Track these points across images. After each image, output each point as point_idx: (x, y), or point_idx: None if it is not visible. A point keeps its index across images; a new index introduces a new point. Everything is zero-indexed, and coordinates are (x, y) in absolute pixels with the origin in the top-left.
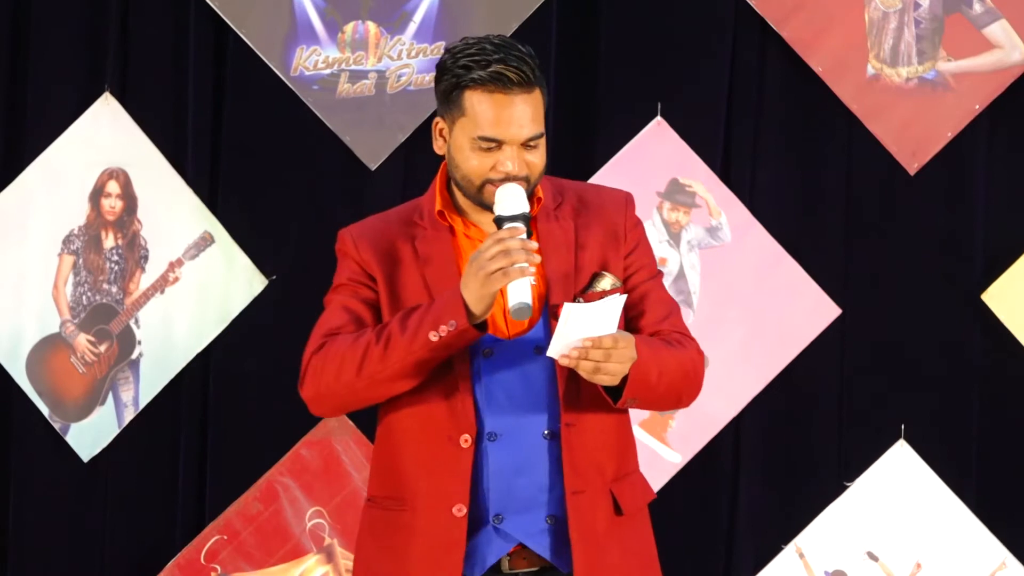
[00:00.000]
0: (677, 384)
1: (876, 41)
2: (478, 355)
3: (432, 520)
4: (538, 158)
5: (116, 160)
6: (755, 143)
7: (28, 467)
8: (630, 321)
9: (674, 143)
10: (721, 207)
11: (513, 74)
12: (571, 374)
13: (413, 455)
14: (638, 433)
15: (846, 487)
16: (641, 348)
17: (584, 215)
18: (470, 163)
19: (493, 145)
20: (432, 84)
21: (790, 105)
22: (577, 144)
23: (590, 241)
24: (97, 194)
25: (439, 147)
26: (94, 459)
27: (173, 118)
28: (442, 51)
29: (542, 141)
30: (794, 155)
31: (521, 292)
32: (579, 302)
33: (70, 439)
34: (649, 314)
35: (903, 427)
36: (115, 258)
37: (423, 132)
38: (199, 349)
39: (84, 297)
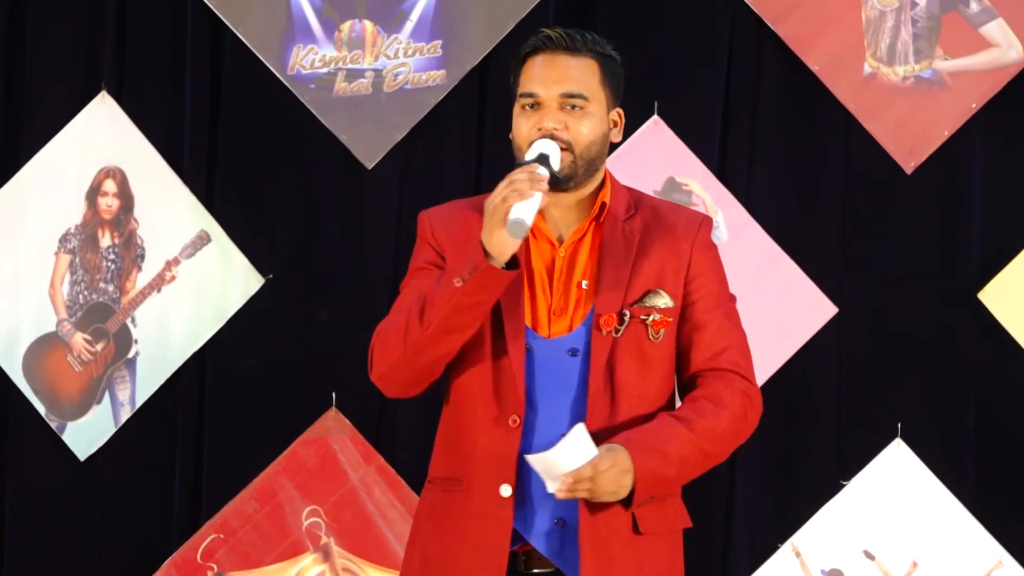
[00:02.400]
0: (709, 459)
1: (873, 40)
2: (522, 348)
3: (483, 499)
4: (584, 124)
5: (113, 159)
6: (752, 141)
7: (24, 465)
8: (682, 355)
9: (671, 142)
10: (718, 206)
11: (555, 34)
12: (606, 382)
13: (468, 436)
14: None
15: (843, 486)
16: (640, 456)
17: (654, 230)
18: (518, 129)
19: (533, 101)
20: (428, 83)
21: (787, 104)
22: None
23: (652, 257)
24: (94, 193)
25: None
26: (90, 458)
27: (170, 117)
28: (439, 49)
29: (590, 108)
30: (791, 153)
31: (519, 209)
32: (626, 317)
33: (66, 438)
34: (699, 349)
35: (900, 426)
36: (111, 257)
37: (420, 131)
38: (196, 348)
39: (80, 296)
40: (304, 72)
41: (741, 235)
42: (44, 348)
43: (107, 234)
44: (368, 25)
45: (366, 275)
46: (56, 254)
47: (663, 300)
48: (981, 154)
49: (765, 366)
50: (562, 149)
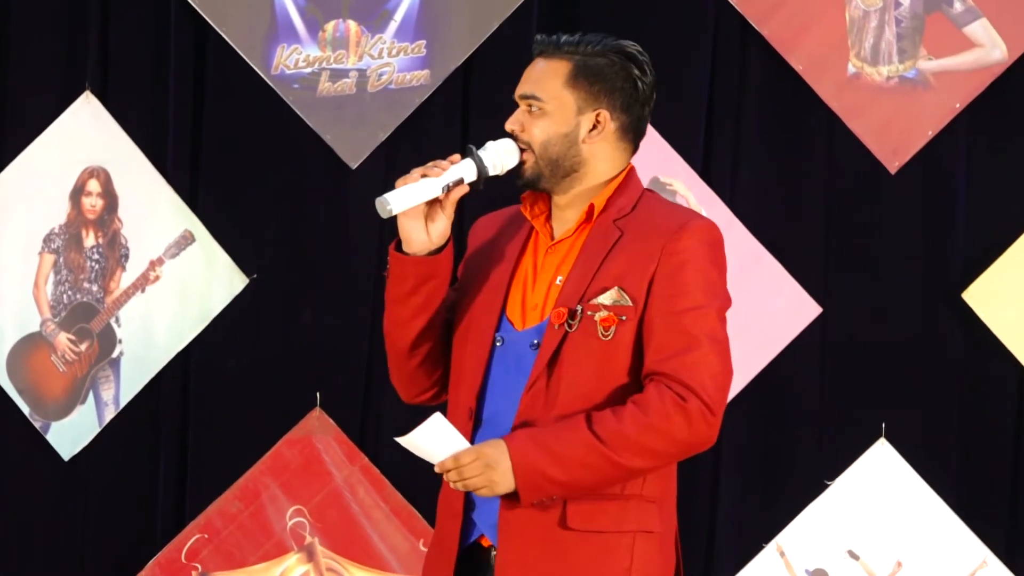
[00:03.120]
0: (617, 466)
1: (857, 39)
2: (495, 341)
3: (447, 492)
4: (537, 126)
5: (97, 159)
6: (736, 141)
7: (8, 465)
8: (643, 355)
9: (655, 141)
10: (702, 205)
11: (538, 38)
12: (547, 375)
13: None
14: None
15: (827, 486)
16: (522, 452)
17: (635, 231)
18: None
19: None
20: (412, 83)
21: (771, 103)
22: None
23: (622, 256)
24: (78, 193)
25: None
26: (75, 458)
27: (154, 117)
28: (423, 49)
29: (546, 108)
30: (775, 153)
31: (394, 192)
32: (578, 312)
33: (51, 438)
34: (648, 352)
35: (884, 426)
36: (96, 256)
37: (404, 131)
38: (180, 348)
39: (65, 296)
40: (288, 72)
41: (725, 235)
42: (28, 348)
43: (91, 234)
44: (352, 25)
45: (350, 275)
46: (40, 254)
47: (620, 298)
48: (965, 154)
49: (749, 366)
50: (522, 150)
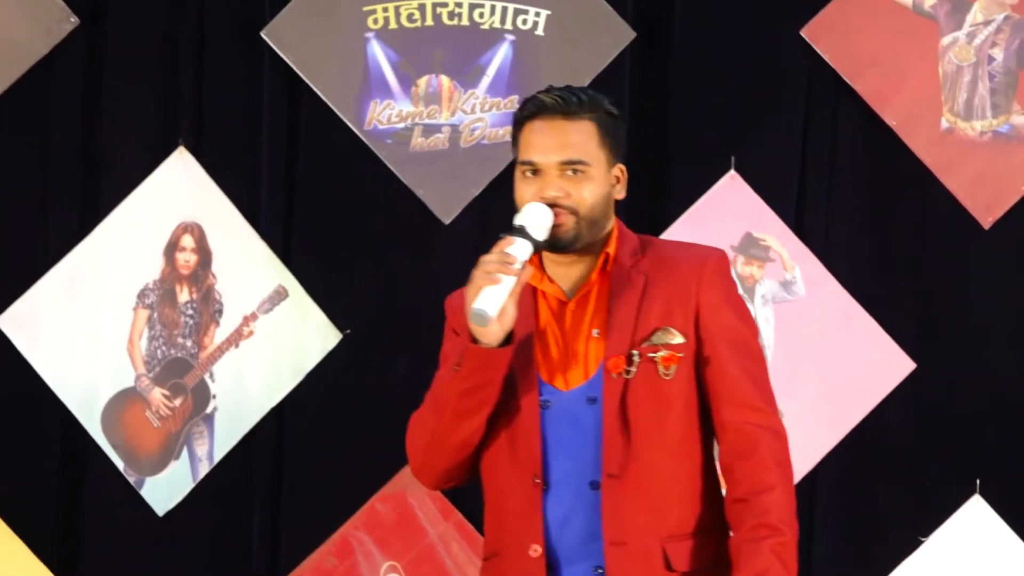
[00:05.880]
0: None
1: (950, 95)
2: (541, 407)
3: (515, 563)
4: (585, 189)
5: (191, 214)
6: (829, 196)
7: (103, 521)
8: (710, 400)
9: (748, 197)
10: (795, 261)
11: (550, 99)
12: (621, 425)
13: (499, 505)
14: None
15: (921, 542)
16: None
17: (659, 271)
18: (521, 195)
19: (532, 169)
20: (504, 138)
21: (864, 158)
22: (651, 198)
23: (658, 296)
24: (172, 248)
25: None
26: (169, 513)
27: (247, 172)
28: (515, 105)
29: (591, 172)
30: (868, 208)
31: (483, 298)
32: (635, 358)
33: (145, 493)
34: (718, 395)
35: (978, 482)
36: (190, 312)
37: (497, 186)
38: (273, 403)
39: (159, 351)
40: (381, 127)
41: (818, 290)
42: (123, 403)
43: (185, 289)
44: (445, 80)
45: (442, 330)
46: (134, 309)
47: (672, 337)
48: None
49: (843, 421)
50: (566, 214)
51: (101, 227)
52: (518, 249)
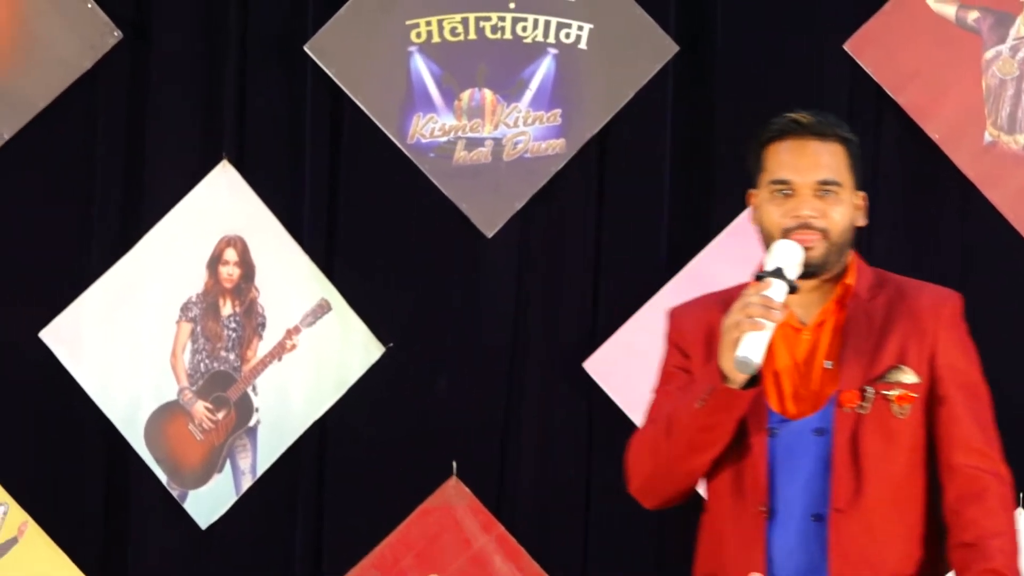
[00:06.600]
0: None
1: (993, 108)
2: (768, 434)
3: None
4: (837, 211)
5: (233, 227)
6: (871, 209)
7: (146, 534)
8: (932, 435)
9: None
10: None
11: (804, 119)
12: (850, 459)
13: (719, 530)
14: None
15: None
16: None
17: (897, 309)
18: (770, 216)
19: (786, 188)
20: (547, 152)
21: (906, 172)
22: (694, 211)
23: (895, 335)
24: (215, 261)
25: (752, 219)
26: (212, 526)
27: (290, 185)
28: (558, 118)
29: (843, 195)
30: (910, 222)
31: (747, 345)
32: (869, 393)
33: (188, 506)
34: (947, 437)
35: None
36: (232, 325)
37: (539, 200)
38: (316, 416)
39: (202, 364)
40: (424, 141)
41: None
42: (166, 417)
43: (228, 303)
44: (488, 94)
45: (485, 343)
46: (177, 322)
47: (907, 376)
48: None
49: None
50: (818, 237)
51: (144, 240)
52: (776, 292)
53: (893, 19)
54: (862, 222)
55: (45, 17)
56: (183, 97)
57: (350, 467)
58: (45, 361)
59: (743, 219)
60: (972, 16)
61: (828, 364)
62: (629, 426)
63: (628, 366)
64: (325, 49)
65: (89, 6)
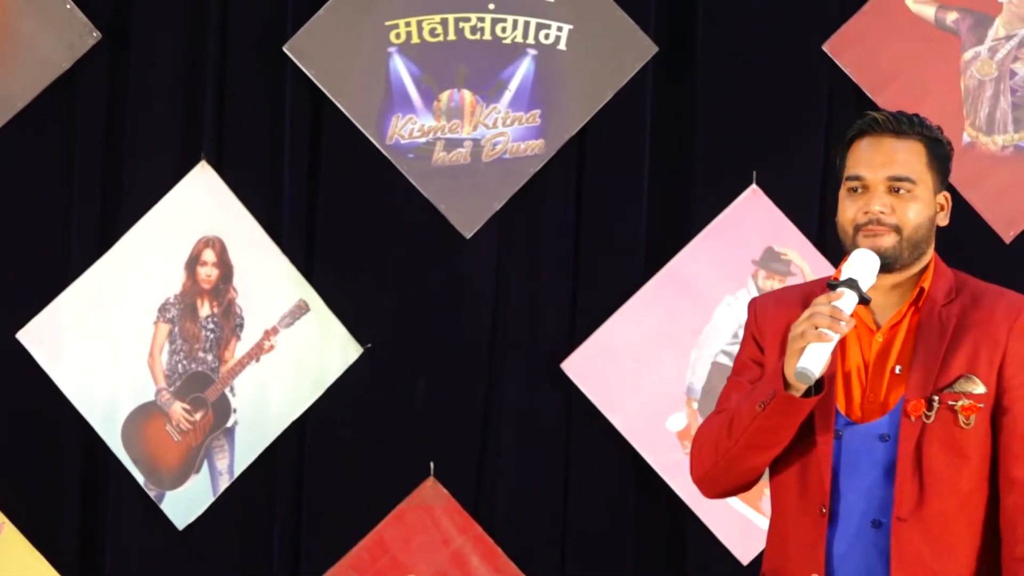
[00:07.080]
0: None
1: (972, 109)
2: (834, 436)
3: None
4: (911, 208)
5: (212, 228)
6: None
7: (123, 535)
8: (1000, 452)
9: (769, 211)
10: (816, 275)
11: (881, 117)
12: (914, 468)
13: (783, 528)
14: (734, 503)
15: None
16: None
17: (971, 316)
18: (844, 211)
19: (859, 184)
20: (526, 153)
21: None
22: (672, 212)
23: (966, 342)
24: (193, 262)
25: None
26: (189, 527)
27: (269, 186)
28: (537, 119)
29: (916, 191)
30: None
31: (809, 356)
32: (935, 403)
33: (165, 507)
34: (1009, 450)
35: None
36: (211, 326)
37: (518, 200)
38: (294, 417)
39: (180, 365)
40: (403, 141)
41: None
42: (143, 417)
43: (206, 303)
44: (467, 95)
45: (464, 344)
46: (155, 323)
47: (974, 386)
48: None
49: None
50: (889, 232)
51: (122, 241)
52: (846, 303)
53: (872, 20)
54: (943, 222)
55: (24, 17)
56: (162, 98)
57: (328, 468)
58: (23, 362)
59: (721, 220)
60: (951, 17)
61: (898, 369)
62: (607, 426)
63: (606, 367)
64: (304, 50)
65: (68, 6)
